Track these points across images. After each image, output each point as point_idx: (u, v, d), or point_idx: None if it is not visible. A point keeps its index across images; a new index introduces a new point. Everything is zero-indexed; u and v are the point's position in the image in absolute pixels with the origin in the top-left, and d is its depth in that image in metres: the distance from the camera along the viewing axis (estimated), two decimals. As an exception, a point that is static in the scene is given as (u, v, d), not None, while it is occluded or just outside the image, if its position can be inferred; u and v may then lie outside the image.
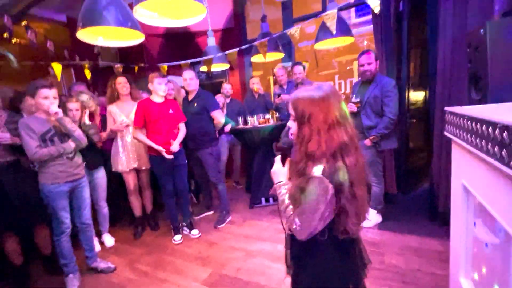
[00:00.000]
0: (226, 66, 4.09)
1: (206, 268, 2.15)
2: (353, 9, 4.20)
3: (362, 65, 2.32)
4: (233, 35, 4.51)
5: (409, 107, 3.03)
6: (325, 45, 3.24)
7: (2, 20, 3.24)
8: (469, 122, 0.92)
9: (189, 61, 3.93)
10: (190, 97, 2.82)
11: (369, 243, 2.24)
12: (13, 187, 2.03)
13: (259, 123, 3.24)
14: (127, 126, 2.59)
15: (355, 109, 2.38)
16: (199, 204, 3.52)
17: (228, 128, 3.36)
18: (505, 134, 0.68)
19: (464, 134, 0.97)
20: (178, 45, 4.67)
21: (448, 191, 1.57)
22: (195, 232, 2.72)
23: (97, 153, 2.52)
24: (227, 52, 3.96)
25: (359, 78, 2.52)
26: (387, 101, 2.24)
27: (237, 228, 2.82)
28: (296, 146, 0.88)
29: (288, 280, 1.02)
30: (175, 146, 2.48)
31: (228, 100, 3.88)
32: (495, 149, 0.74)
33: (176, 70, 4.17)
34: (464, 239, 1.23)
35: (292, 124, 0.90)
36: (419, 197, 3.02)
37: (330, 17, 2.84)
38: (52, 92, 1.91)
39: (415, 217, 2.57)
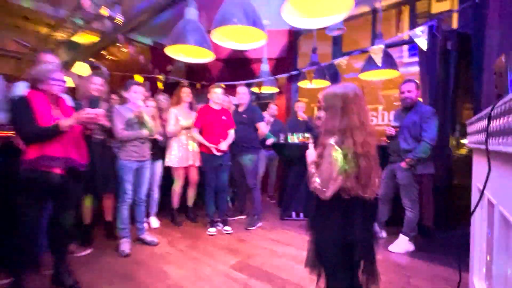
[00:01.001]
0: (275, 89, 4.55)
1: (234, 257, 2.35)
2: (406, 48, 4.41)
3: (403, 92, 2.48)
4: (285, 64, 5.01)
5: (458, 143, 2.99)
6: (370, 76, 3.47)
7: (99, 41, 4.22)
8: (479, 122, 1.07)
9: (243, 82, 4.46)
10: (241, 109, 3.24)
11: (396, 265, 2.23)
12: (98, 160, 2.56)
13: (299, 141, 3.49)
14: (185, 128, 3.08)
15: (393, 132, 2.51)
16: (233, 209, 3.77)
17: (270, 141, 3.67)
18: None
19: (478, 136, 1.12)
20: (236, 69, 5.32)
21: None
22: (227, 228, 2.96)
23: (159, 149, 3.03)
24: (277, 76, 4.42)
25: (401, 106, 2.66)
26: (425, 127, 2.33)
27: (266, 232, 2.99)
28: (321, 128, 1.17)
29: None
30: (224, 145, 2.86)
31: (272, 120, 4.25)
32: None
33: (231, 90, 4.75)
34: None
35: (321, 113, 1.21)
36: (459, 237, 2.84)
37: (377, 51, 3.11)
38: (141, 89, 2.49)
39: (454, 253, 2.44)
